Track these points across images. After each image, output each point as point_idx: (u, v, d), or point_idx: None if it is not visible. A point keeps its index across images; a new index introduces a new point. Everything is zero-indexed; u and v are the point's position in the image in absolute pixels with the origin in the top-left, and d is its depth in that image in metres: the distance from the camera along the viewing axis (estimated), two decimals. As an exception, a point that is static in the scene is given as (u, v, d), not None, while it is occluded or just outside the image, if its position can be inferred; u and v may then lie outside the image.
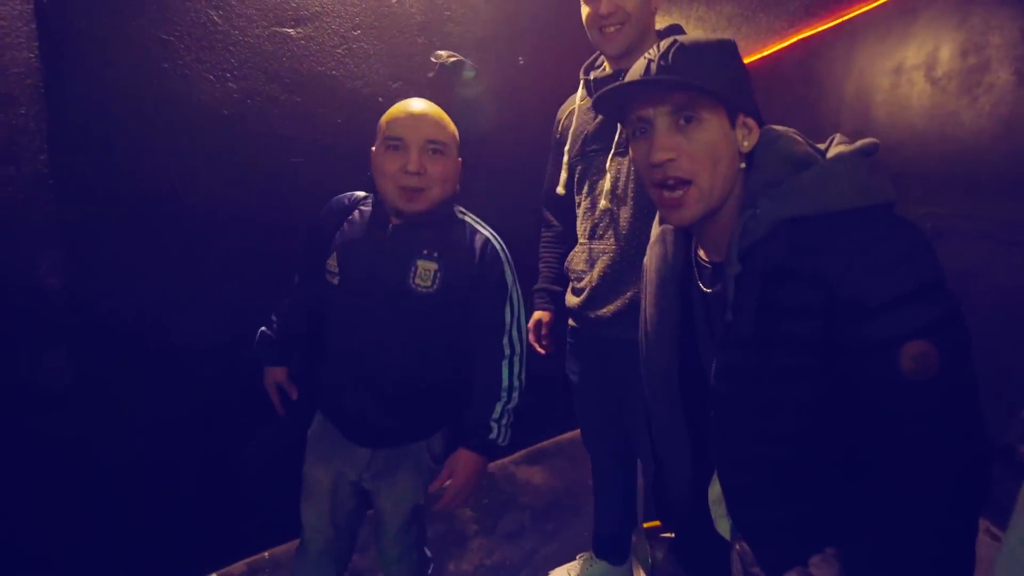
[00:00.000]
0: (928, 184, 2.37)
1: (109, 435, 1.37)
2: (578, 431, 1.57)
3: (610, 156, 1.24)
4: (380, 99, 1.65)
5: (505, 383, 1.13)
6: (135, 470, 1.41)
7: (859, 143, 0.70)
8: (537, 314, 1.54)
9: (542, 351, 1.54)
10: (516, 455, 2.30)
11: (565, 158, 1.35)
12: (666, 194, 0.73)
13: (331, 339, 1.16)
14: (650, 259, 0.90)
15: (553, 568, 1.68)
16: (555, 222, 1.52)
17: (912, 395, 0.63)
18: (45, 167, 1.21)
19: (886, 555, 0.64)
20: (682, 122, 0.71)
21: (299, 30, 1.49)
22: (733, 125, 0.72)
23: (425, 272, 1.07)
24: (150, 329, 1.37)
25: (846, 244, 0.64)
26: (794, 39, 2.98)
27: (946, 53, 2.39)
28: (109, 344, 1.34)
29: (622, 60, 1.23)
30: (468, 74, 1.80)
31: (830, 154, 0.71)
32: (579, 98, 1.37)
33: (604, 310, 1.29)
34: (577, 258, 1.37)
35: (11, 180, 1.15)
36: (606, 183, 1.24)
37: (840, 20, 2.76)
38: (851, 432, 0.68)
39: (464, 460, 1.10)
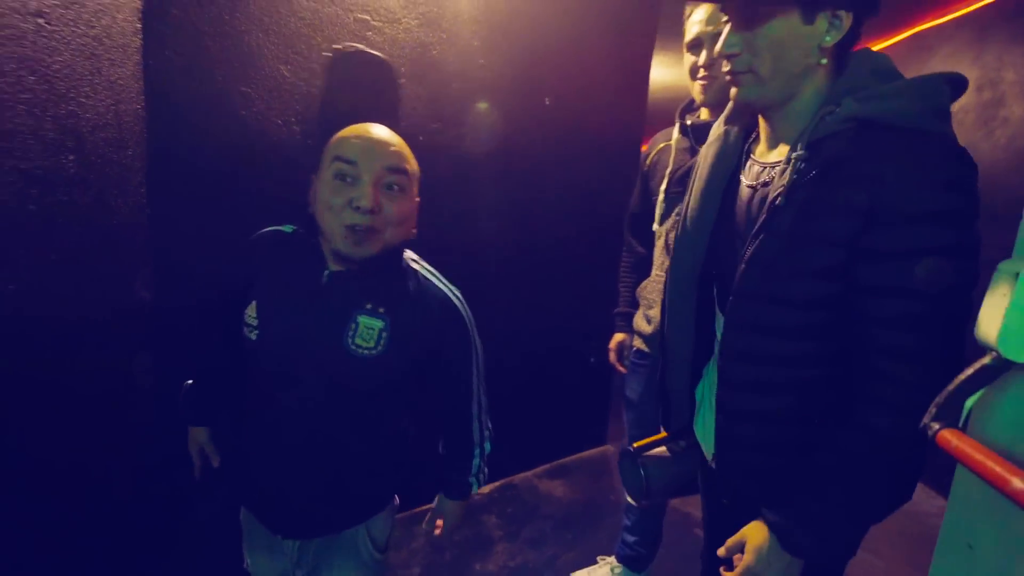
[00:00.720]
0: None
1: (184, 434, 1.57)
2: (598, 449, 1.68)
3: None
4: (420, 138, 1.86)
5: (476, 438, 1.06)
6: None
7: (947, 71, 0.73)
8: (618, 336, 1.69)
9: (623, 370, 1.69)
10: (539, 469, 2.42)
11: (660, 196, 1.46)
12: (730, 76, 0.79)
13: (250, 407, 0.98)
14: (706, 156, 0.93)
15: (573, 572, 1.78)
16: (639, 248, 1.66)
17: (916, 305, 0.67)
18: (143, 198, 1.44)
19: (844, 446, 0.72)
20: (748, 20, 0.74)
21: (354, 80, 1.71)
22: (810, 21, 0.73)
23: (367, 331, 0.89)
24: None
25: (909, 156, 0.67)
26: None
27: (961, 88, 2.45)
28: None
29: (714, 110, 1.35)
30: (481, 106, 2.00)
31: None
32: (675, 138, 1.48)
33: None
34: (652, 287, 1.49)
35: (118, 210, 1.38)
36: None
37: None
38: (847, 336, 0.73)
39: (451, 509, 1.10)
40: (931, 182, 0.66)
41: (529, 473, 2.38)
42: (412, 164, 0.92)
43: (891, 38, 2.97)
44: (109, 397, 1.40)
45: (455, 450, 1.08)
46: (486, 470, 1.12)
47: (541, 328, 2.35)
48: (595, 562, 1.79)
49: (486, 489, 2.23)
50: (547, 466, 2.44)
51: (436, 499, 1.13)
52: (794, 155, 0.73)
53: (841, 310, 0.73)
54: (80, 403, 1.32)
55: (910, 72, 0.80)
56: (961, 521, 0.55)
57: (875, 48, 0.87)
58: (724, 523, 0.88)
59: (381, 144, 0.88)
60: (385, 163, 0.87)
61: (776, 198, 0.74)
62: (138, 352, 1.44)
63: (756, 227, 0.77)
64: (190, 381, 1.11)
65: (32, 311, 1.19)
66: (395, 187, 0.88)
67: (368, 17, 1.70)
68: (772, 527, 0.76)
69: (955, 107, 2.63)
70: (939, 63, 2.67)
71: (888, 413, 0.70)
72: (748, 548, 0.77)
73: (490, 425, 1.09)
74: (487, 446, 1.09)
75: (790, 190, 0.73)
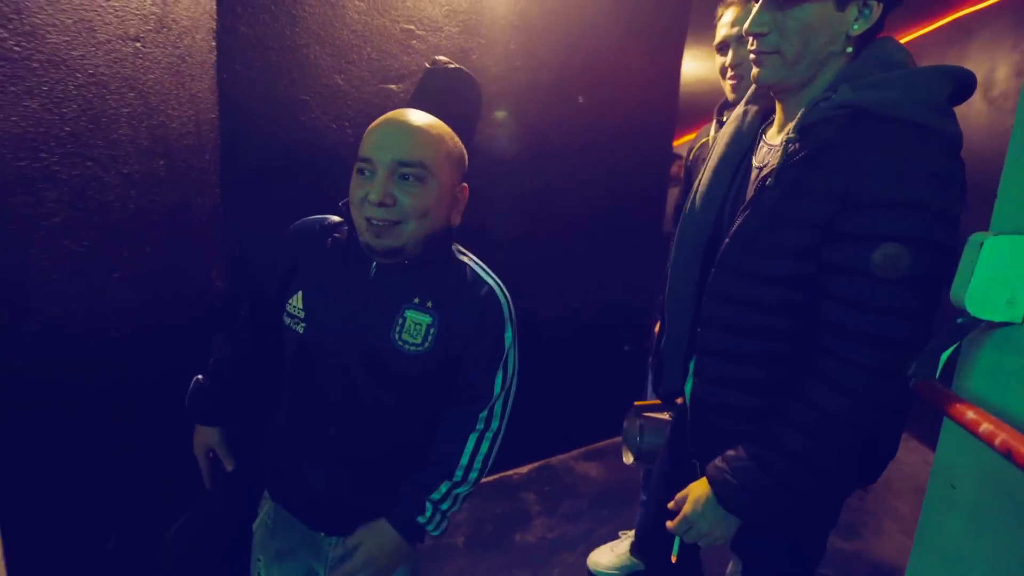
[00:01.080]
0: (986, 198, 2.40)
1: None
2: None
3: None
4: (462, 137, 1.98)
5: (464, 460, 0.92)
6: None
7: (951, 65, 0.71)
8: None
9: None
10: (575, 452, 2.52)
11: None
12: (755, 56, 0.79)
13: (290, 400, 0.95)
14: (723, 134, 0.93)
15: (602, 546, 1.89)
16: None
17: (868, 287, 0.67)
18: (218, 197, 1.62)
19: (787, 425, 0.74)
20: (780, 1, 0.74)
21: (399, 86, 1.85)
22: (842, 8, 0.73)
23: (415, 327, 0.87)
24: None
25: (892, 145, 0.66)
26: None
27: (1002, 73, 2.44)
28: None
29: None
30: (499, 114, 2.10)
31: None
32: (712, 135, 1.55)
33: None
34: None
35: (198, 208, 1.55)
36: None
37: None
38: (811, 319, 0.74)
39: (377, 534, 0.89)
40: (908, 173, 0.66)
41: (566, 455, 2.49)
42: (435, 153, 0.86)
43: (931, 24, 2.93)
44: (191, 373, 1.58)
45: (433, 457, 0.93)
46: (446, 517, 0.93)
47: (578, 319, 2.45)
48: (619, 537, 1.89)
49: (524, 469, 2.35)
50: (583, 449, 2.54)
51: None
52: (786, 138, 0.75)
53: (810, 287, 0.74)
54: (167, 377, 1.50)
55: (949, 58, 0.83)
56: (945, 464, 0.63)
57: (915, 34, 0.89)
58: (682, 480, 0.91)
59: (397, 137, 0.85)
60: (395, 156, 0.83)
61: (767, 178, 0.76)
62: (213, 334, 1.62)
63: (744, 204, 0.80)
64: (200, 376, 1.05)
65: (131, 296, 1.37)
66: (410, 178, 0.84)
67: (413, 27, 1.83)
68: (711, 482, 0.79)
69: (995, 92, 2.62)
70: (979, 48, 2.63)
71: (828, 387, 0.71)
72: (689, 498, 0.82)
73: (490, 460, 0.94)
74: (473, 477, 0.92)
75: (779, 171, 0.75)
